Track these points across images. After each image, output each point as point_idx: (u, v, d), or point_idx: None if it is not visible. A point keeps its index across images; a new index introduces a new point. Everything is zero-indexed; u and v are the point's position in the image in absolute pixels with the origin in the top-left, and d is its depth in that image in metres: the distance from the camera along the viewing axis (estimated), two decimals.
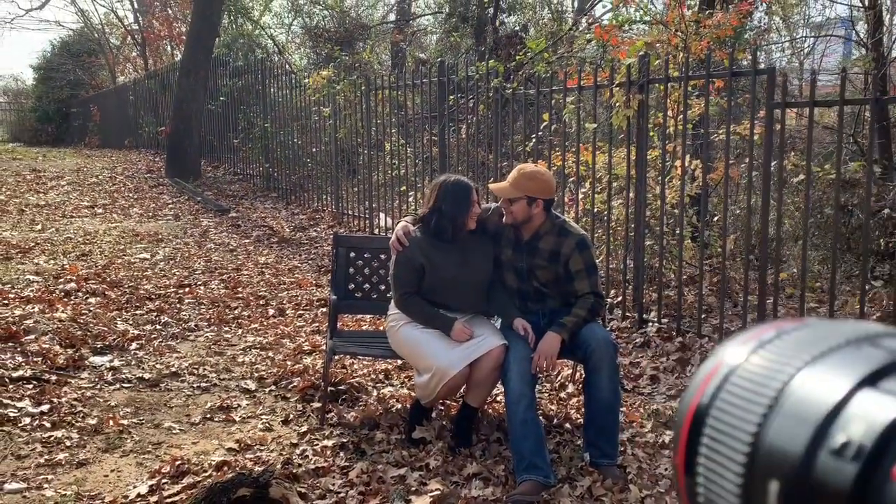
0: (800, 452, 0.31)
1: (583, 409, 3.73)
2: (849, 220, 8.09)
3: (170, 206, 10.13)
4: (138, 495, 2.83)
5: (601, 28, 5.93)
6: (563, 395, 4.02)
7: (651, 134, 5.60)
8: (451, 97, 7.20)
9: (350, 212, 9.07)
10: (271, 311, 5.56)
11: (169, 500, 2.77)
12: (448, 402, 3.70)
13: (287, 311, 5.59)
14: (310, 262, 7.27)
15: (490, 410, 3.71)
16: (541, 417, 3.61)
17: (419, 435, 3.34)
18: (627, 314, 5.29)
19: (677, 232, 6.07)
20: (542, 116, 5.89)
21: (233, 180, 12.14)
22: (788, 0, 16.76)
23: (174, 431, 3.52)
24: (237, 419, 3.68)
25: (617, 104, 5.13)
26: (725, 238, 4.77)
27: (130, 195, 10.85)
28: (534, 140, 6.24)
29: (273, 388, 4.09)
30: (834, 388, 0.32)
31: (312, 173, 10.13)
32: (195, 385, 4.10)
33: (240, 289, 6.16)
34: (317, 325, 5.24)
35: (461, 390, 3.38)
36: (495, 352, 3.19)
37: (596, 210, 5.85)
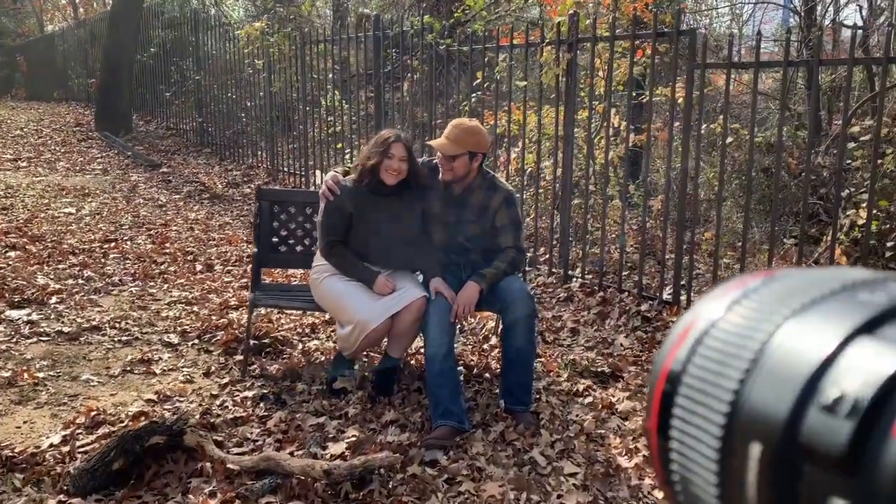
0: (785, 410, 0.28)
1: (500, 357, 3.85)
2: (771, 181, 8.38)
3: (98, 160, 9.83)
4: (51, 445, 2.82)
5: None
6: (485, 346, 4.12)
7: (582, 94, 5.67)
8: (388, 52, 7.13)
9: (286, 169, 8.96)
10: (199, 267, 5.50)
11: (82, 450, 2.76)
12: (370, 353, 3.75)
13: (215, 267, 5.54)
14: (241, 218, 7.18)
15: (413, 362, 3.78)
16: (461, 367, 3.72)
17: (340, 385, 3.39)
18: (553, 270, 5.42)
19: (606, 192, 6.22)
20: (475, 74, 5.90)
21: (165, 135, 11.82)
22: None
23: (92, 384, 3.49)
24: (158, 372, 3.66)
25: (546, 63, 5.17)
26: (646, 198, 4.89)
27: (57, 149, 10.48)
28: (473, 98, 6.26)
29: (196, 341, 4.07)
30: (824, 338, 0.29)
31: (247, 129, 9.94)
32: (116, 339, 4.06)
33: (167, 244, 6.06)
34: (245, 280, 5.21)
35: (383, 342, 3.44)
36: (416, 304, 3.24)
37: (528, 169, 5.93)
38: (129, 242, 6.06)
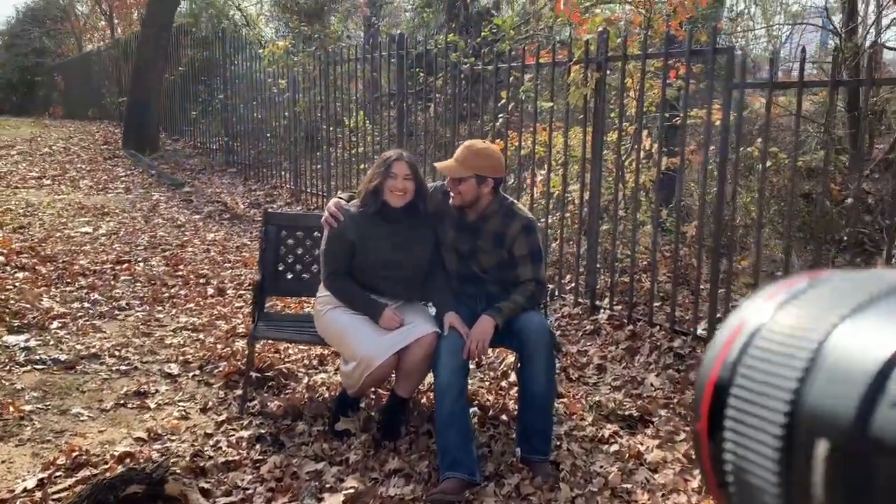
0: (853, 407, 0.29)
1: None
2: (813, 208, 7.99)
3: (122, 178, 9.77)
4: (24, 490, 2.60)
5: (562, 3, 5.69)
6: (503, 384, 3.84)
7: (612, 115, 5.40)
8: (417, 71, 6.95)
9: (309, 189, 8.80)
10: (210, 291, 5.31)
11: (56, 497, 2.54)
12: (378, 390, 3.49)
13: (227, 291, 5.34)
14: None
15: (423, 400, 3.51)
16: (475, 408, 3.44)
17: (343, 426, 3.14)
18: (580, 300, 5.12)
19: (637, 217, 5.91)
20: (499, 94, 5.67)
21: (192, 154, 11.78)
22: None
23: (81, 418, 3.28)
24: (152, 406, 3.44)
25: (574, 82, 4.91)
26: (678, 224, 4.58)
27: (83, 167, 10.47)
28: (500, 119, 6.03)
29: (197, 372, 3.85)
30: (887, 336, 0.29)
31: (272, 148, 9.82)
32: (114, 368, 3.85)
33: (181, 266, 5.89)
34: None
35: (391, 379, 3.18)
36: (426, 339, 2.98)
37: (555, 192, 5.66)
38: (141, 264, 5.90)
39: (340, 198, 3.26)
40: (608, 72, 5.04)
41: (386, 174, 3.03)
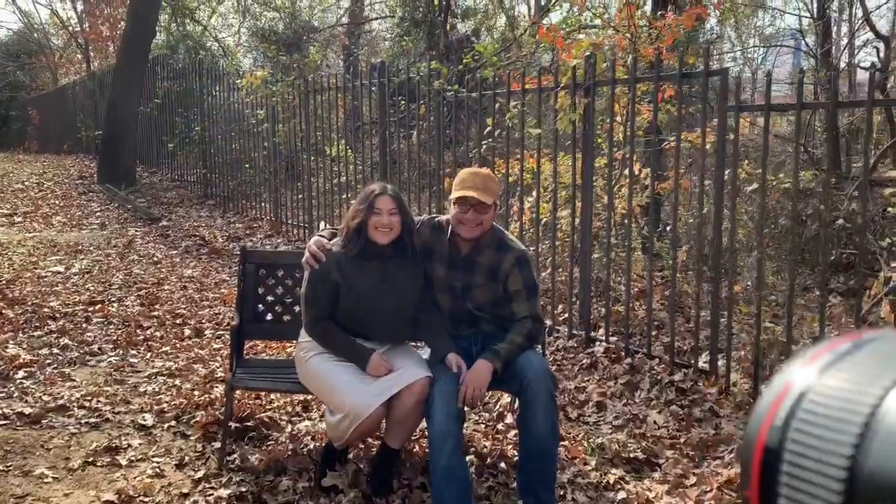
0: None
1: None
2: (802, 230, 7.89)
3: (97, 214, 9.51)
4: None
5: (545, 29, 5.58)
6: (500, 426, 3.62)
7: (599, 141, 5.27)
8: (399, 99, 6.80)
9: (290, 220, 8.60)
10: (187, 332, 5.06)
11: None
12: (368, 439, 3.27)
13: (205, 332, 5.10)
14: None
15: (416, 449, 3.29)
16: (471, 455, 3.23)
17: (330, 482, 2.91)
18: (574, 332, 4.93)
19: (626, 244, 5.76)
20: (485, 122, 5.52)
21: (170, 187, 11.54)
22: (741, 10, 16.80)
23: (45, 480, 3.02)
24: (124, 463, 3.19)
25: (562, 108, 4.77)
26: (674, 250, 4.42)
27: (56, 202, 10.19)
28: (484, 146, 5.87)
29: (173, 423, 3.60)
30: None
31: (252, 179, 9.62)
32: (83, 421, 3.60)
33: (157, 306, 5.64)
34: None
35: (381, 427, 2.96)
36: (417, 386, 2.78)
37: (543, 220, 5.50)
38: (115, 304, 5.65)
39: (322, 235, 3.06)
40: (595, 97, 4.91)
41: (369, 210, 2.84)
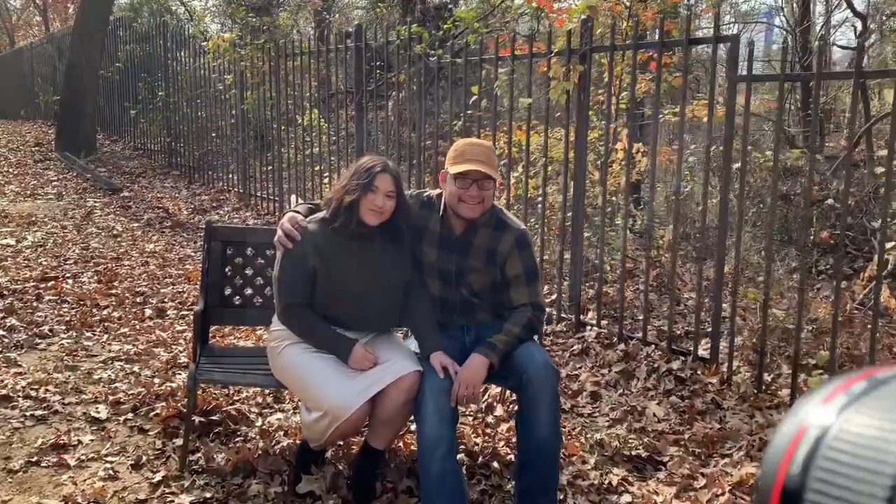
0: None
1: (514, 440, 3.08)
2: (789, 209, 7.70)
3: (54, 183, 8.99)
4: None
5: None
6: (490, 419, 3.34)
7: (591, 113, 4.96)
8: (377, 65, 6.42)
9: (259, 193, 8.19)
10: (148, 312, 4.69)
11: None
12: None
13: (168, 312, 4.73)
14: None
15: (401, 445, 3.00)
16: (462, 455, 2.94)
17: (306, 488, 2.60)
18: (563, 315, 4.66)
19: (617, 222, 5.49)
20: (470, 90, 5.17)
21: (132, 156, 11.01)
22: None
23: None
24: (73, 463, 2.85)
25: (555, 76, 4.45)
26: (675, 234, 4.15)
27: (10, 171, 9.64)
28: (462, 119, 5.53)
29: (130, 416, 3.26)
30: None
31: (219, 149, 9.16)
32: (29, 413, 3.24)
33: (115, 283, 5.24)
34: None
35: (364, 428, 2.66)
36: (406, 382, 2.47)
37: (529, 196, 5.20)
38: (70, 281, 5.24)
39: (296, 211, 2.71)
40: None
41: (367, 188, 2.51)
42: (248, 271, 3.17)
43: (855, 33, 12.01)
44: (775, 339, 4.26)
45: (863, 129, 7.95)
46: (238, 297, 3.14)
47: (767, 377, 3.77)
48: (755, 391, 3.63)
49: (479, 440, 3.10)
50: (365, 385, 2.45)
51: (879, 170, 5.85)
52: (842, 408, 0.33)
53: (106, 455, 2.92)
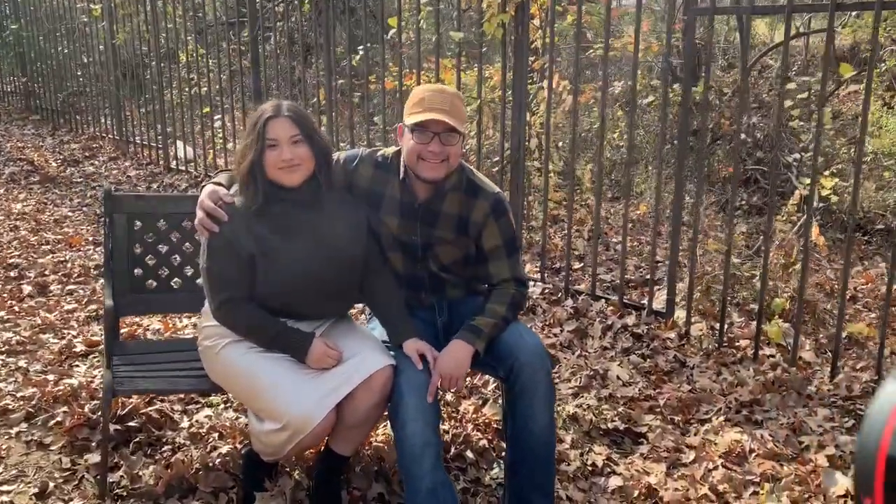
0: None
1: (485, 423, 2.78)
2: (702, 145, 7.69)
3: None
4: None
5: None
6: (449, 396, 3.01)
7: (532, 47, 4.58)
8: None
9: (138, 140, 7.34)
10: (27, 289, 4.01)
11: None
12: None
13: (51, 288, 4.06)
14: (84, 209, 5.61)
15: (365, 446, 2.62)
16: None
17: None
18: None
19: (540, 165, 5.21)
20: (387, 22, 4.65)
21: None
22: None
23: None
24: None
25: (489, 7, 4.02)
26: (628, 183, 3.89)
27: None
28: (360, 53, 5.00)
29: (24, 427, 2.70)
30: None
31: (87, 91, 8.13)
32: None
33: None
34: (95, 306, 3.80)
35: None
36: (378, 381, 2.07)
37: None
38: None
39: (218, 183, 2.20)
40: None
41: (261, 143, 2.03)
42: (162, 247, 2.64)
43: None
44: (719, 286, 4.15)
45: (755, 58, 8.00)
46: (152, 281, 2.61)
47: (730, 331, 3.63)
48: (717, 345, 3.49)
49: (447, 428, 2.76)
50: (329, 388, 2.04)
51: (788, 103, 5.83)
52: None
53: None
